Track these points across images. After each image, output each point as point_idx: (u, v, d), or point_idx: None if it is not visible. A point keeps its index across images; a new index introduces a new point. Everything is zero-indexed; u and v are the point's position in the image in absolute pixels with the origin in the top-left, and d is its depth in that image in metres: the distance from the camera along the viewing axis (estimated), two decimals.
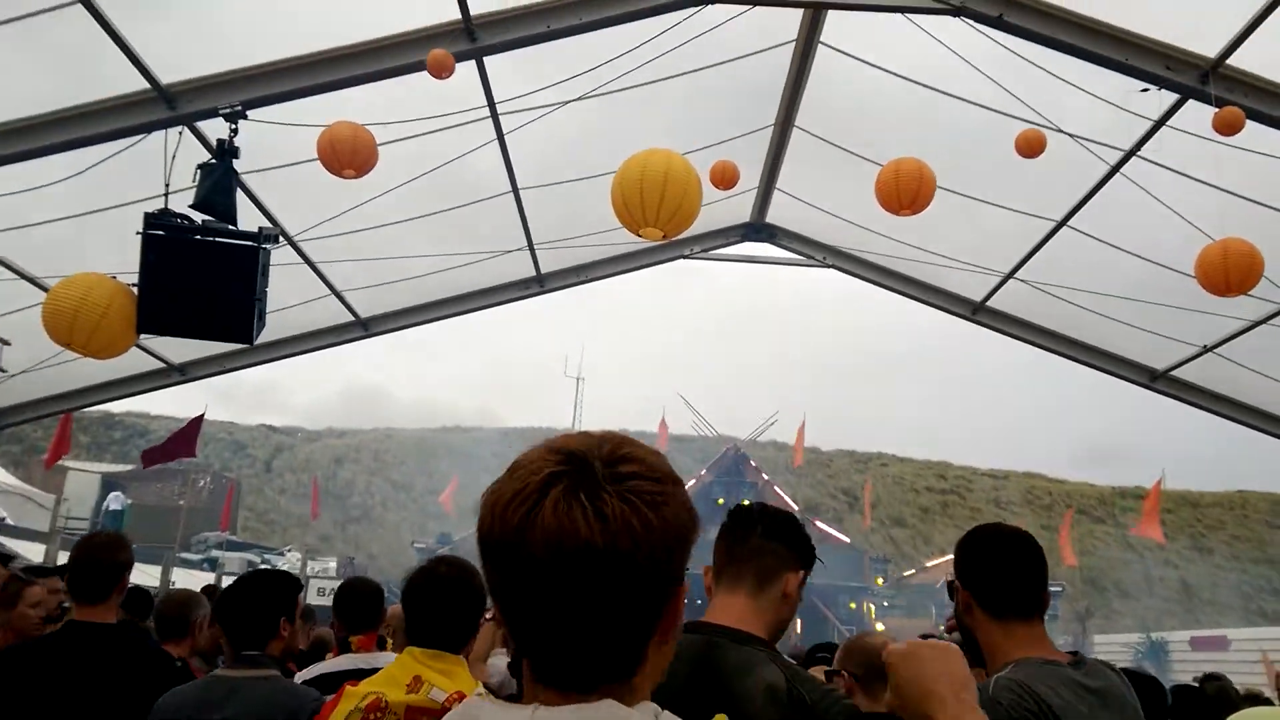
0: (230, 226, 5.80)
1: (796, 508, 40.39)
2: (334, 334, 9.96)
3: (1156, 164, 6.66)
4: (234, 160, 5.79)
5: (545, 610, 0.96)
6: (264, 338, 8.85)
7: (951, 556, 2.29)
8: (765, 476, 41.53)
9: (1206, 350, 8.69)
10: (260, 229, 5.90)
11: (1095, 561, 46.90)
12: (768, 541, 2.05)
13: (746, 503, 2.24)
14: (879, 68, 7.06)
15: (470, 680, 2.37)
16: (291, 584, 3.07)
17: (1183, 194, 6.74)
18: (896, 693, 1.43)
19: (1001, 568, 2.17)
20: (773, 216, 10.05)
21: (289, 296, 8.40)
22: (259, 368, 10.88)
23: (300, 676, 3.21)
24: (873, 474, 52.40)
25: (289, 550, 35.49)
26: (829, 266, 10.24)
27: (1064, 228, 7.85)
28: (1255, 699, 5.26)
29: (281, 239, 7.41)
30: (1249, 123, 5.96)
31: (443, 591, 2.45)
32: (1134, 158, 6.74)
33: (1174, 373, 9.44)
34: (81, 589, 3.16)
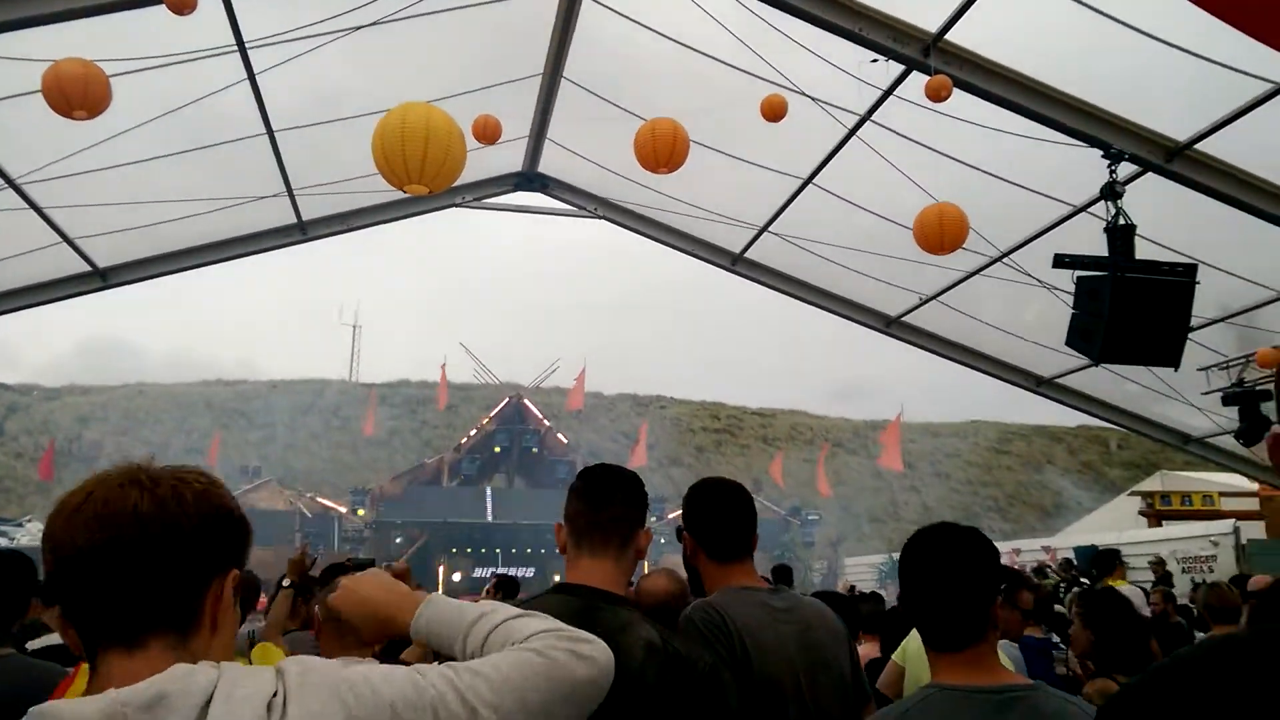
0: None
1: (577, 451, 41.12)
2: (67, 285, 9.12)
3: (887, 129, 7.30)
4: None
5: (91, 570, 1.08)
6: None
7: None
8: (547, 423, 41.94)
9: (930, 299, 9.66)
10: None
11: (848, 490, 51.06)
12: (628, 508, 2.18)
13: (597, 467, 2.32)
14: (642, 24, 7.25)
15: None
16: (26, 565, 2.93)
17: (910, 157, 7.42)
18: (352, 624, 1.56)
19: (717, 517, 2.49)
20: (544, 166, 10.13)
21: (10, 245, 7.65)
22: None
23: (32, 646, 3.09)
24: (651, 416, 54.15)
25: (29, 520, 32.35)
26: (600, 217, 10.47)
27: (809, 185, 8.44)
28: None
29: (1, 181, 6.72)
30: (965, 94, 6.67)
31: None
32: (868, 122, 7.34)
33: (904, 318, 10.44)
34: None
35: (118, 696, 0.98)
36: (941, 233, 6.19)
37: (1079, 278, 6.20)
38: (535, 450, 40.02)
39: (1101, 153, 6.53)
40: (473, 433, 42.13)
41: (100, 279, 9.16)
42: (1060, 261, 6.16)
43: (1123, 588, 7.43)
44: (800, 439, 57.25)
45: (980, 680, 1.86)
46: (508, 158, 9.84)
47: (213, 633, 1.13)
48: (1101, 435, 57.74)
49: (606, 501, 2.18)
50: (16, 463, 49.16)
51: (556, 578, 3.13)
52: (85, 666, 2.26)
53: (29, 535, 27.24)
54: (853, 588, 13.63)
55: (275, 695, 1.04)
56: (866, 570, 26.44)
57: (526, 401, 42.28)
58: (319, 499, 39.75)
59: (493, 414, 42.04)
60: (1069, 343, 6.37)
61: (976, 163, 7.46)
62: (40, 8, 5.58)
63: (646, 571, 3.69)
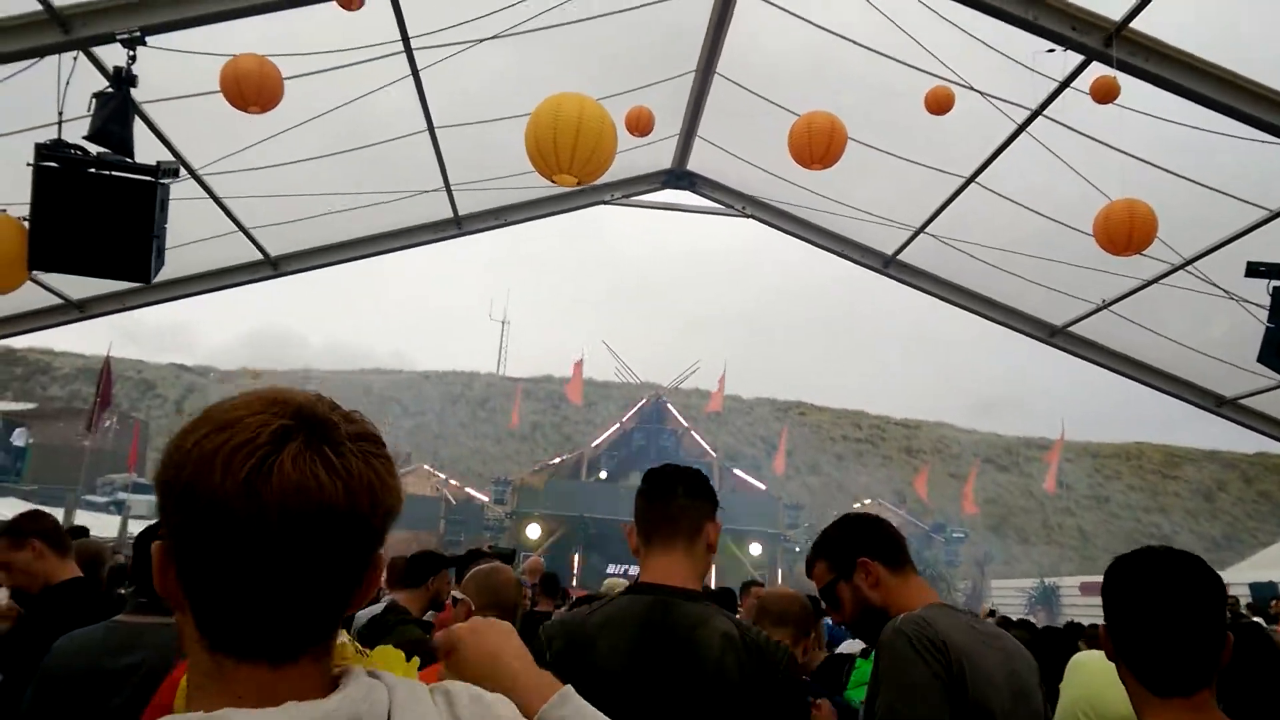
0: (127, 159, 5.57)
1: (715, 455, 41.05)
2: (242, 273, 9.69)
3: (1060, 124, 6.85)
4: (131, 89, 5.54)
5: (262, 573, 0.87)
6: (168, 275, 8.59)
7: (866, 503, 2.46)
8: (685, 423, 42.02)
9: (1103, 306, 9.04)
10: (159, 163, 5.67)
11: (997, 509, 48.93)
12: (691, 500, 2.18)
13: (660, 465, 2.33)
14: (800, 17, 7.07)
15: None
16: None
17: (1085, 154, 6.95)
18: (464, 670, 1.37)
19: (885, 529, 2.43)
20: (693, 164, 10.07)
21: (193, 233, 8.14)
22: (165, 306, 10.57)
23: None
24: (790, 422, 53.45)
25: None
26: (748, 216, 10.33)
27: (972, 184, 8.03)
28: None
29: (183, 172, 7.15)
30: (1150, 87, 6.19)
31: None
32: (1040, 117, 6.91)
33: (1071, 328, 9.82)
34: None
35: (310, 712, 0.86)
36: (1130, 232, 5.73)
37: (1276, 288, 5.66)
38: (672, 450, 40.12)
39: None
40: (612, 430, 42.65)
41: (271, 267, 9.67)
42: (1254, 270, 5.65)
43: None
44: (946, 452, 55.31)
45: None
46: (657, 156, 9.83)
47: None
48: None
49: (670, 494, 2.19)
50: None
51: None
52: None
53: None
54: (992, 612, 12.93)
55: None
56: (1015, 594, 25.21)
57: (666, 402, 42.45)
58: (465, 488, 41.09)
59: (632, 412, 42.43)
60: (1261, 359, 5.82)
61: (1159, 160, 6.92)
62: (217, 5, 5.89)
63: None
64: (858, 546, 2.36)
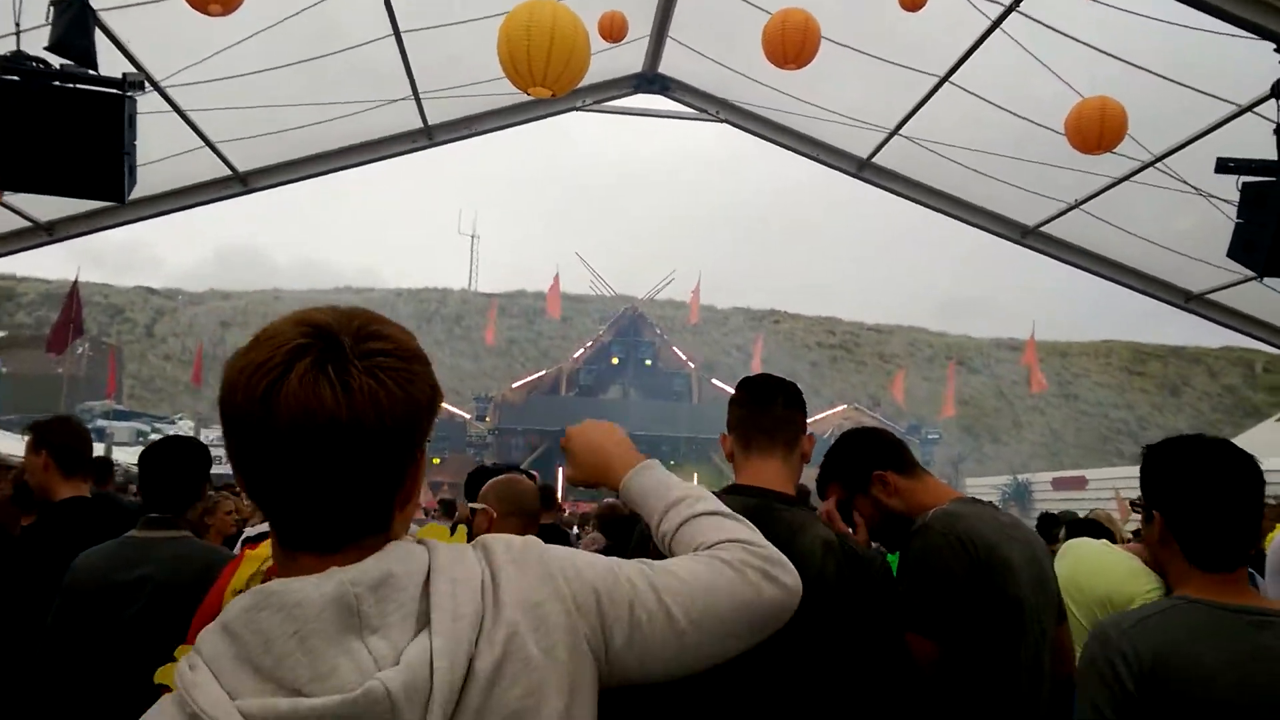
0: (90, 71, 5.43)
1: (693, 365, 41.36)
2: (211, 189, 9.52)
3: (1034, 19, 6.81)
4: None
5: (290, 481, 0.98)
6: (136, 193, 8.46)
7: (842, 408, 2.56)
8: (662, 335, 42.18)
9: (1074, 206, 9.12)
10: (125, 75, 5.54)
11: (970, 410, 49.86)
12: (792, 410, 2.24)
13: (758, 374, 2.39)
14: None
15: None
16: (204, 452, 3.11)
17: (1057, 52, 6.93)
18: (574, 462, 1.61)
19: (888, 437, 2.54)
20: (665, 67, 9.90)
21: (160, 149, 7.98)
22: (128, 227, 10.41)
23: (247, 533, 3.32)
24: (765, 330, 53.76)
25: (180, 419, 34.74)
26: (722, 120, 10.23)
27: (946, 84, 8.00)
28: (1093, 524, 5.76)
29: (148, 86, 6.98)
30: None
31: None
32: (1013, 13, 6.87)
33: (1043, 228, 9.91)
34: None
35: (346, 576, 0.97)
36: (1101, 129, 5.78)
37: (1245, 184, 5.73)
38: (651, 363, 40.39)
39: (1274, 45, 5.94)
40: (589, 344, 42.78)
41: (240, 183, 9.52)
42: (1224, 165, 5.70)
43: None
44: (919, 356, 56.01)
45: (1235, 600, 1.82)
46: (627, 60, 9.66)
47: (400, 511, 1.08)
48: (1246, 358, 54.47)
49: (770, 403, 2.23)
50: (166, 364, 52.68)
51: None
52: (249, 553, 2.38)
53: (180, 432, 29.26)
54: None
55: (484, 574, 1.05)
56: (989, 491, 25.95)
57: (642, 313, 42.49)
58: (445, 405, 41.12)
59: (609, 326, 42.54)
60: (1231, 254, 5.93)
61: (1130, 57, 6.92)
62: None
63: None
64: (868, 461, 2.44)
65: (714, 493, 2.18)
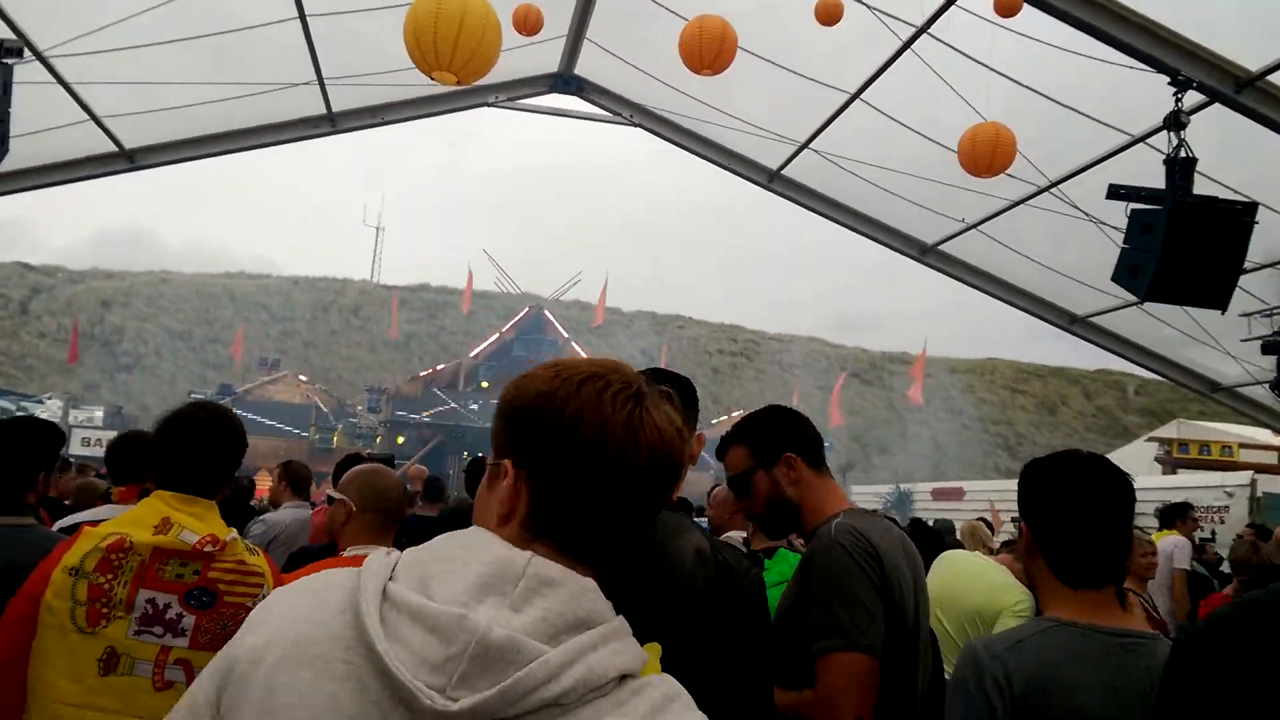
0: None
1: None
2: (95, 164, 9.00)
3: (943, 42, 6.98)
4: None
5: (610, 499, 1.06)
6: (12, 164, 7.92)
7: (739, 414, 2.48)
8: (566, 335, 42.03)
9: (971, 226, 9.40)
10: (1, 40, 5.17)
11: (861, 421, 51.20)
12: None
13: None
14: None
15: (222, 525, 2.31)
16: (53, 434, 2.87)
17: (963, 75, 7.12)
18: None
19: (810, 428, 2.44)
20: (581, 69, 9.83)
21: (39, 120, 7.50)
22: (4, 202, 9.76)
23: (57, 525, 3.07)
24: (670, 335, 54.14)
25: (49, 398, 33.05)
26: (635, 124, 10.21)
27: (856, 101, 8.14)
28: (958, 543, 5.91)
29: (27, 53, 6.53)
30: (1026, 7, 6.34)
31: (200, 435, 2.37)
32: (924, 34, 7.02)
33: (941, 247, 10.20)
34: None
35: (537, 559, 1.01)
36: (993, 154, 5.95)
37: (1133, 210, 5.98)
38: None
39: (1168, 79, 6.21)
40: (492, 340, 42.31)
41: (127, 160, 9.03)
42: (1115, 192, 5.93)
43: (1169, 538, 7.38)
44: (816, 366, 57.22)
45: (1103, 621, 1.81)
46: (543, 59, 9.54)
47: None
48: (1120, 381, 57.38)
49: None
50: (40, 342, 49.85)
51: None
52: (87, 530, 2.21)
53: (49, 412, 27.77)
54: None
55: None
56: (873, 499, 26.64)
57: (547, 313, 42.28)
58: (336, 396, 40.11)
59: (512, 323, 42.17)
60: (1115, 278, 6.18)
61: (1033, 84, 7.15)
62: None
63: None
64: (785, 440, 2.35)
65: None
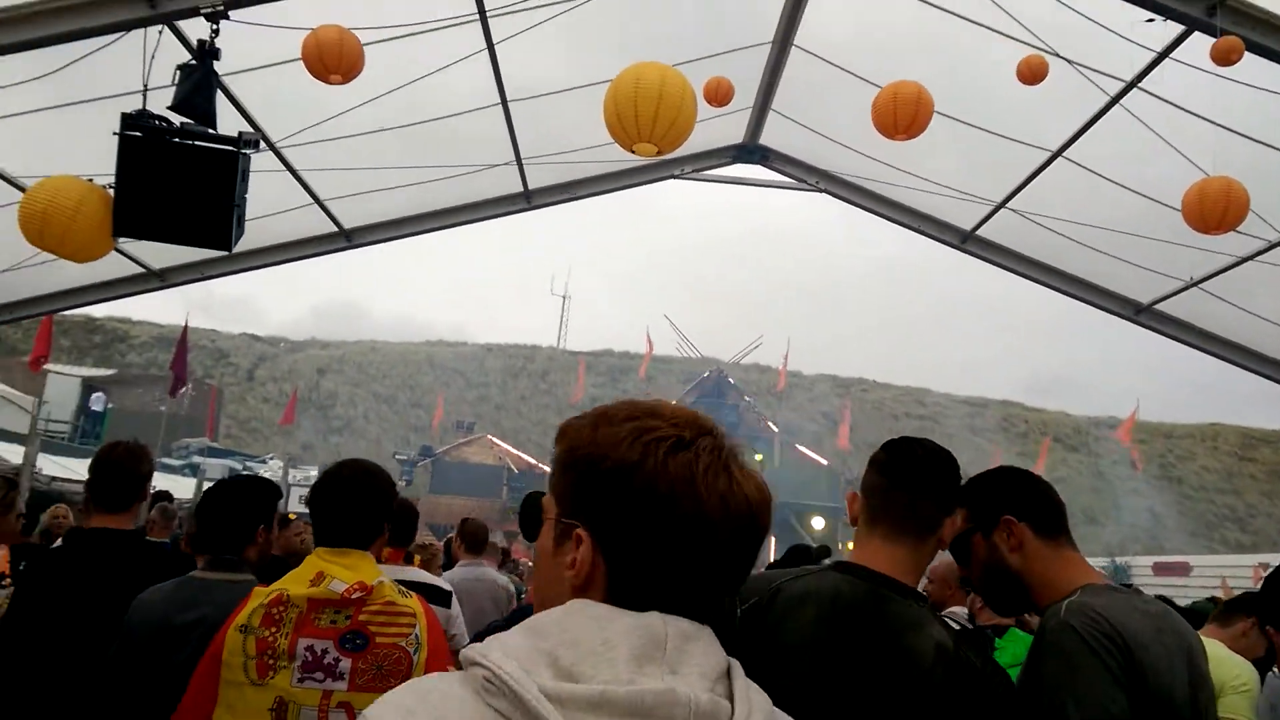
0: (210, 130, 5.64)
1: (776, 430, 40.86)
2: (317, 244, 9.81)
3: (1156, 96, 6.56)
4: (215, 62, 5.61)
5: (699, 571, 1.03)
6: (245, 245, 8.75)
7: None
8: (747, 399, 41.86)
9: (1192, 284, 8.70)
10: (240, 133, 5.74)
11: (1067, 489, 47.85)
12: (938, 492, 1.97)
13: (904, 438, 2.09)
14: None
15: (372, 572, 2.43)
16: (270, 491, 3.08)
17: (1178, 127, 6.66)
18: None
19: (1042, 489, 2.14)
20: (766, 138, 9.89)
21: (271, 204, 8.25)
22: (236, 280, 10.78)
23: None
24: (853, 399, 52.91)
25: (271, 458, 35.76)
26: (821, 191, 10.13)
27: (1058, 158, 7.75)
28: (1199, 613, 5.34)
29: (263, 144, 7.24)
30: (1248, 56, 5.88)
31: (346, 491, 2.52)
32: (1134, 89, 6.63)
33: (1158, 306, 9.47)
34: (104, 497, 3.18)
35: (662, 617, 1.00)
36: (1225, 209, 5.49)
37: None
38: (733, 426, 40.05)
39: None
40: (672, 404, 42.68)
41: (345, 239, 9.78)
42: None
43: None
44: (1013, 431, 54.33)
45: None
46: (727, 130, 9.67)
47: None
48: None
49: (911, 482, 1.95)
50: (264, 406, 54.49)
51: None
52: (257, 589, 2.36)
53: (270, 471, 30.08)
54: None
55: None
56: None
57: (728, 376, 42.31)
58: (526, 458, 41.38)
59: (692, 386, 42.44)
60: None
61: (1258, 133, 6.59)
62: None
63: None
64: (1005, 502, 2.10)
65: (822, 568, 1.98)
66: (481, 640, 1.00)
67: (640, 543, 1.03)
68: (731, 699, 0.97)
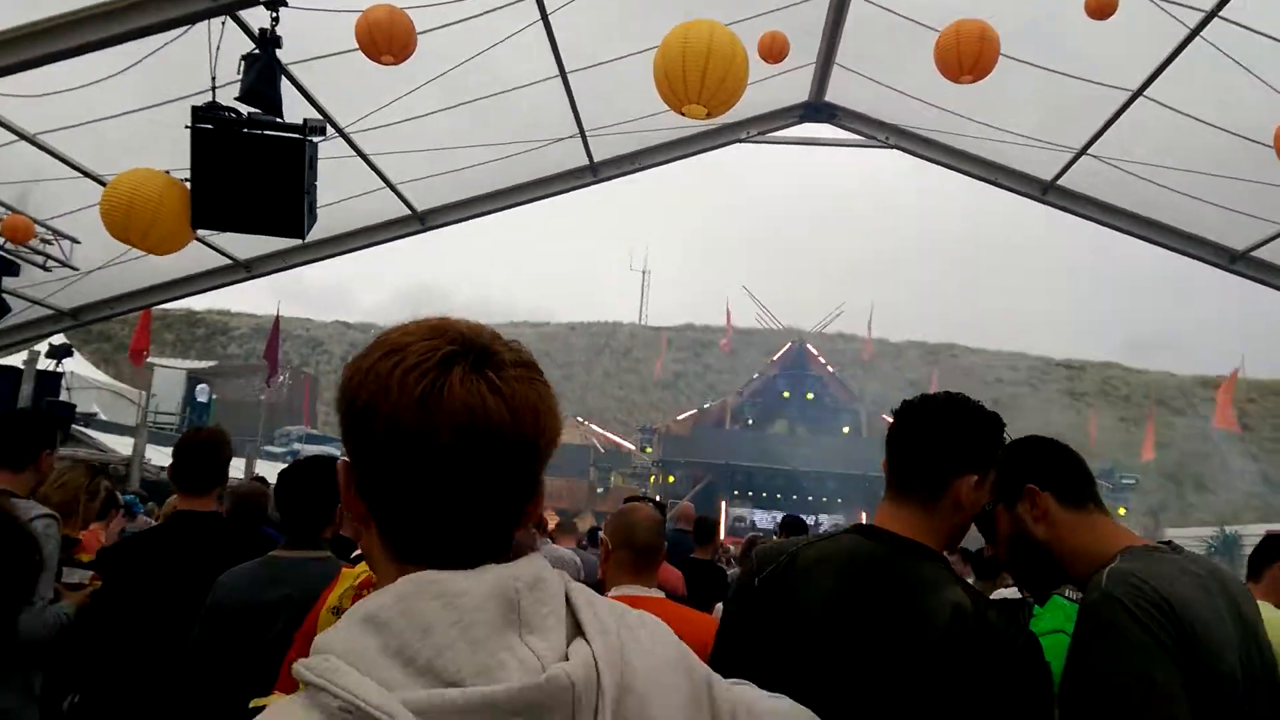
0: (277, 119, 5.81)
1: (860, 400, 40.24)
2: (392, 228, 10.04)
3: (1238, 24, 6.20)
4: (277, 49, 5.76)
5: (435, 488, 0.93)
6: (324, 233, 9.01)
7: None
8: (830, 369, 41.31)
9: None
10: (305, 120, 5.89)
11: (1172, 454, 45.95)
12: (940, 447, 1.89)
13: (918, 396, 2.00)
14: None
15: None
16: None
17: (1264, 57, 6.28)
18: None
19: (1066, 456, 2.03)
20: (832, 95, 9.68)
21: (344, 190, 8.46)
22: (326, 269, 11.10)
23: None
24: (942, 365, 51.75)
25: None
26: (892, 147, 9.89)
27: (1139, 98, 7.39)
28: None
29: (330, 130, 7.41)
30: None
31: None
32: (1215, 18, 6.27)
33: (1254, 253, 8.99)
34: (187, 481, 3.38)
35: (504, 571, 0.92)
36: None
37: None
38: (815, 396, 39.62)
39: None
40: (755, 377, 42.43)
41: (419, 221, 9.98)
42: None
43: None
44: (1115, 394, 52.39)
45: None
46: (792, 89, 9.50)
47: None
48: None
49: (909, 440, 1.90)
50: None
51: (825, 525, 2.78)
52: (345, 570, 2.40)
53: None
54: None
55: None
56: (1193, 543, 23.78)
57: (809, 347, 41.82)
58: (610, 435, 41.68)
59: (775, 358, 42.09)
60: None
61: None
62: None
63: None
64: (1025, 470, 1.98)
65: (836, 532, 1.94)
66: None
67: (364, 469, 0.96)
68: (581, 628, 0.94)
